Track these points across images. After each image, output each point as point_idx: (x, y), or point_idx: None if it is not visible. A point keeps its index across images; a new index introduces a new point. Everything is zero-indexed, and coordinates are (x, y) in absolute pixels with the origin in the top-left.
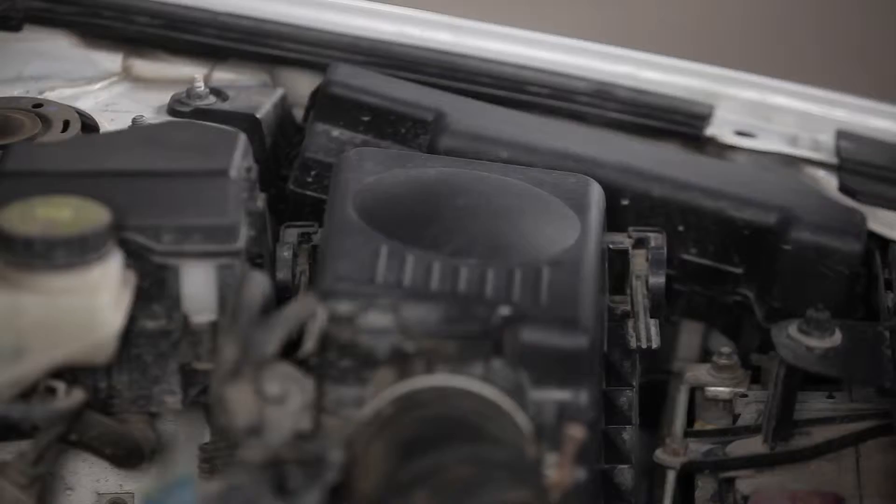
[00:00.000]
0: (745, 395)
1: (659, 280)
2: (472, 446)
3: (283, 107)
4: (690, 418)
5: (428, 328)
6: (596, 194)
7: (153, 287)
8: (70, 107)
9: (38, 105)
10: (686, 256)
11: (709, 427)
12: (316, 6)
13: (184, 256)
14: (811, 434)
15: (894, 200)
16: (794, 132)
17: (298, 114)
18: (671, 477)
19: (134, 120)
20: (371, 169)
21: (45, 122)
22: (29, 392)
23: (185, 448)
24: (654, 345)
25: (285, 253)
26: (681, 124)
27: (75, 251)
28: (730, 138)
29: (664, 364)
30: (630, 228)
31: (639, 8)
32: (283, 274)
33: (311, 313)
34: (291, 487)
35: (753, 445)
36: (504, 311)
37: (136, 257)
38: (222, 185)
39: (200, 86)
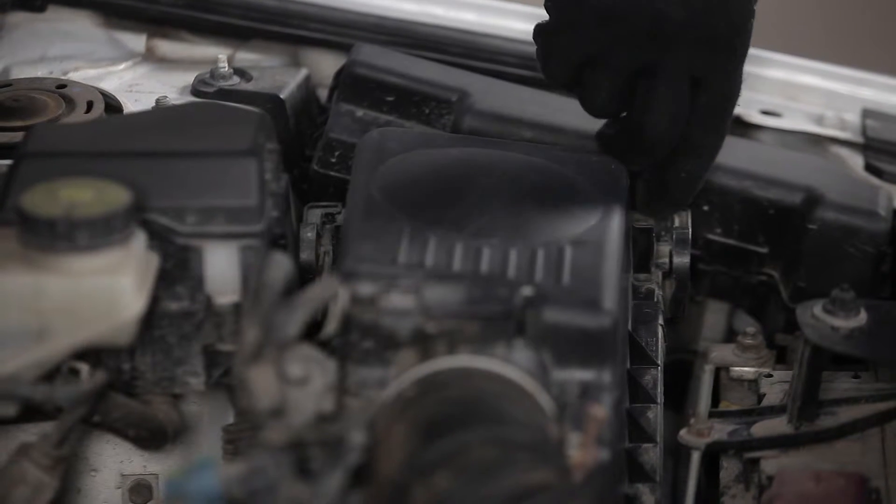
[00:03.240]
0: (769, 376)
1: (684, 260)
2: (494, 427)
3: (308, 87)
4: (715, 399)
5: (450, 309)
6: (619, 173)
7: (176, 268)
8: (94, 87)
9: (62, 86)
10: (711, 236)
11: (733, 407)
12: None
13: (207, 238)
14: (836, 414)
15: None
16: (821, 111)
17: (323, 94)
18: (696, 457)
19: (157, 101)
20: (394, 149)
21: (69, 102)
22: (52, 374)
23: (210, 429)
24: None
25: (309, 234)
26: None
27: (98, 233)
28: (756, 117)
29: (689, 344)
30: None
31: None
32: (306, 255)
33: (332, 294)
34: (313, 469)
35: (778, 426)
36: (526, 291)
37: (159, 238)
38: (245, 166)
39: (224, 66)
